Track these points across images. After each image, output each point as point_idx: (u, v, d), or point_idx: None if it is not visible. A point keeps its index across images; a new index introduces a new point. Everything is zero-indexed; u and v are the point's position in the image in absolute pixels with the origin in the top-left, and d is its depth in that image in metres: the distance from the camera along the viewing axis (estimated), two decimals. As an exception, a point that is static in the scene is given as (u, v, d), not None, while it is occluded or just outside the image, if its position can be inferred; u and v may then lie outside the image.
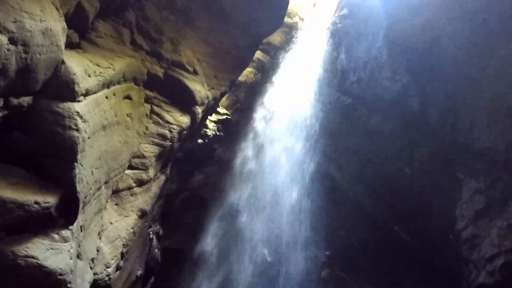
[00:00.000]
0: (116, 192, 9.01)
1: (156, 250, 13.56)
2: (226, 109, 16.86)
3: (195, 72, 11.62)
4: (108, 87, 8.33)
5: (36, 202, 6.60)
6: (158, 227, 13.75)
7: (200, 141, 15.54)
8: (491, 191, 11.94)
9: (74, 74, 7.14)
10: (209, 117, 15.03)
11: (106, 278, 8.21)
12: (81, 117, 7.09)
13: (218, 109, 16.03)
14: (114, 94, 8.55)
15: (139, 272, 10.35)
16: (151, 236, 12.79)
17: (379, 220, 13.93)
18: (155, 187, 10.20)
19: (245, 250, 15.31)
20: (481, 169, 12.02)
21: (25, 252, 6.44)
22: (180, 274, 15.53)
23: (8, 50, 6.00)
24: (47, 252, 6.67)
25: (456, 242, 12.39)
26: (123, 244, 8.75)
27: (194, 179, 16.35)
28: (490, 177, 11.88)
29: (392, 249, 13.40)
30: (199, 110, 11.76)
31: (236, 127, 16.88)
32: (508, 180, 11.59)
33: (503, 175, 11.62)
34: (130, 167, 9.49)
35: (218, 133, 16.17)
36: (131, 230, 9.07)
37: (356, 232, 14.14)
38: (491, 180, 11.87)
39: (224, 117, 16.54)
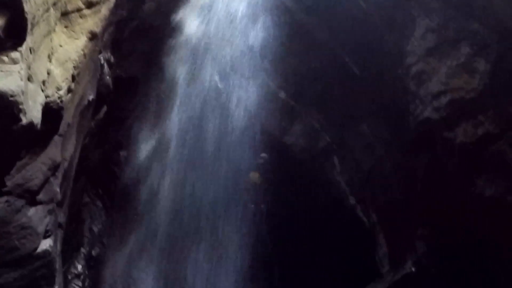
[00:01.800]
0: (65, 14, 8.68)
1: (108, 77, 13.45)
2: None
3: None
4: None
5: (-18, 24, 6.36)
6: (109, 54, 13.56)
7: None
8: (444, 30, 12.05)
9: None
10: None
11: (58, 101, 8.15)
12: None
13: None
14: None
15: (90, 97, 10.31)
16: (102, 62, 12.61)
17: (331, 52, 13.95)
18: (105, 10, 9.85)
19: (198, 76, 15.22)
20: (436, 8, 12.02)
21: (-27, 76, 6.32)
22: (132, 103, 15.60)
23: None
24: (-3, 74, 6.53)
25: (405, 77, 12.67)
26: (74, 67, 8.61)
27: (145, 6, 15.92)
28: (443, 17, 11.93)
29: (342, 80, 13.60)
30: None
31: None
32: (461, 21, 11.67)
33: (457, 15, 11.67)
34: (79, -12, 9.11)
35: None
36: (82, 52, 8.88)
37: (308, 62, 14.19)
38: (444, 20, 11.93)
39: None
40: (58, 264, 9.25)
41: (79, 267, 17.14)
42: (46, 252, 8.62)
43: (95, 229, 17.36)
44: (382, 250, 12.47)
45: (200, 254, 15.33)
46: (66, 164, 9.31)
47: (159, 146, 15.64)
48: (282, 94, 14.38)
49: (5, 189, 8.08)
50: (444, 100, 12.14)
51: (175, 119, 15.40)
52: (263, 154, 14.89)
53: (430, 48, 12.32)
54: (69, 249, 14.57)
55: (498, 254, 11.19)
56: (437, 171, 12.19)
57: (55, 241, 8.93)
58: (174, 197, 15.48)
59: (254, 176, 15.06)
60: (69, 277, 16.77)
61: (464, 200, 11.73)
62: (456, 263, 11.56)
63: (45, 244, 8.62)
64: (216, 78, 15.26)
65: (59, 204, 9.15)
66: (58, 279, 9.32)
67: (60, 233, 9.40)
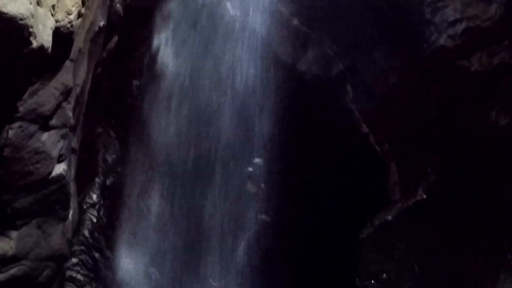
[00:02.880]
0: None
1: (118, 5, 13.34)
2: None
3: None
4: None
5: None
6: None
7: None
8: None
9: None
10: None
11: (68, 25, 8.10)
12: None
13: None
14: None
15: (101, 23, 10.21)
16: (112, -11, 12.48)
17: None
18: None
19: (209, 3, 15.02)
20: None
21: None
22: (144, 33, 15.49)
23: None
24: (5, -1, 6.48)
25: (420, 4, 12.46)
26: (84, -9, 8.55)
27: None
28: None
29: (356, 7, 13.34)
30: None
31: None
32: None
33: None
34: None
35: None
36: (92, -23, 8.83)
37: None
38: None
39: None
40: (72, 189, 9.40)
41: (94, 196, 17.43)
42: (60, 176, 8.75)
43: (109, 158, 17.54)
44: (394, 178, 12.53)
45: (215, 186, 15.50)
46: (78, 89, 9.33)
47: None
48: (295, 21, 14.18)
49: (18, 114, 8.13)
50: (459, 28, 12.04)
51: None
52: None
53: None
54: (83, 180, 14.79)
55: (510, 183, 11.25)
56: (451, 100, 12.15)
57: (69, 166, 9.05)
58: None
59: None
60: (85, 207, 17.08)
61: (477, 129, 11.73)
62: (467, 191, 11.63)
63: (59, 168, 8.74)
64: (228, 5, 15.05)
65: (72, 129, 9.22)
66: (73, 203, 9.49)
67: (74, 158, 9.51)
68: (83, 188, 15.72)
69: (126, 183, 16.79)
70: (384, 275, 11.77)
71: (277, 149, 14.69)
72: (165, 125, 15.98)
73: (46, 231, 8.89)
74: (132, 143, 16.50)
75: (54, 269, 9.24)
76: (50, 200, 8.78)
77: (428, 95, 12.32)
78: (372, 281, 11.76)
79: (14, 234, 8.56)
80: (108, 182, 17.45)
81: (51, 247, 8.98)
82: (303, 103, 14.35)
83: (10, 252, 8.51)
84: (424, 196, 11.84)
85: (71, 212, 9.36)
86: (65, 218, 9.16)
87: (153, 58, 15.58)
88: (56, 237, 9.02)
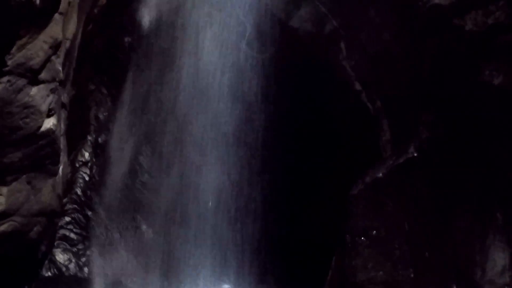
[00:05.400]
0: None
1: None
2: None
3: None
4: None
5: None
6: None
7: None
8: None
9: None
10: None
11: (56, -23, 8.00)
12: None
13: None
14: None
15: (91, -24, 10.09)
16: None
17: None
18: None
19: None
20: None
21: None
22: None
23: None
24: None
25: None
26: None
27: None
28: None
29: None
30: None
31: None
32: None
33: None
34: None
35: None
36: None
37: None
38: None
39: None
40: (62, 144, 9.37)
41: (86, 155, 17.39)
42: (50, 131, 8.71)
43: (101, 116, 17.45)
44: (386, 136, 12.51)
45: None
46: (68, 43, 9.24)
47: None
48: (288, -23, 14.04)
49: (6, 68, 8.09)
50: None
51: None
52: None
53: None
54: (75, 138, 14.74)
55: (502, 142, 11.25)
56: (444, 58, 12.05)
57: (58, 120, 9.00)
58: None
59: None
60: (77, 165, 17.06)
61: (470, 88, 11.68)
62: (458, 149, 11.63)
63: (49, 123, 8.70)
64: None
65: (62, 84, 9.14)
66: (63, 158, 9.47)
67: (63, 113, 9.46)
68: (75, 146, 15.69)
69: (118, 141, 16.74)
70: (374, 231, 11.82)
71: (269, 103, 14.74)
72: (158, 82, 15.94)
73: (36, 187, 8.88)
74: (125, 100, 16.43)
75: (45, 225, 9.27)
76: (40, 155, 8.75)
77: (421, 53, 12.22)
78: (362, 238, 11.81)
79: (4, 190, 8.56)
80: (100, 140, 17.40)
81: (42, 202, 8.99)
82: (296, 59, 14.29)
83: (0, 208, 8.51)
84: (415, 154, 11.82)
85: (61, 167, 9.34)
86: (55, 173, 9.14)
87: (145, 13, 15.42)
88: (46, 192, 9.02)
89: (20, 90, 8.21)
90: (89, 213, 17.19)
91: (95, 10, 12.17)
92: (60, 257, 16.83)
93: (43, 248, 9.58)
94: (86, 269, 16.94)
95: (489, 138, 11.33)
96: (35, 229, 9.05)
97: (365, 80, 13.07)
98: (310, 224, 15.37)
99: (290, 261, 15.44)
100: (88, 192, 17.23)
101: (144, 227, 16.39)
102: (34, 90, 8.36)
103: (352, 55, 13.23)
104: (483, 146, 11.37)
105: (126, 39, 16.15)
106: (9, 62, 8.04)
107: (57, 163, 9.07)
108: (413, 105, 12.19)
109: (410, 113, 12.17)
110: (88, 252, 17.07)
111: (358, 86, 13.17)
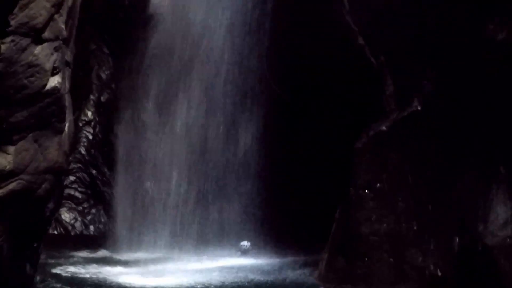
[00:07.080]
0: None
1: None
2: None
3: None
4: None
5: None
6: None
7: None
8: None
9: None
10: None
11: None
12: None
13: None
14: None
15: None
16: None
17: None
18: None
19: None
20: None
21: None
22: None
23: None
24: None
25: None
26: None
27: None
28: None
29: None
30: None
31: None
32: None
33: None
34: None
35: None
36: None
37: None
38: None
39: None
40: (67, 101, 9.39)
41: (89, 114, 17.51)
42: (55, 89, 8.73)
43: (103, 75, 17.51)
44: (389, 90, 12.45)
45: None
46: (70, 2, 9.18)
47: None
48: None
49: (10, 28, 8.10)
50: None
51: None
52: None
53: None
54: (78, 97, 14.76)
55: (505, 97, 11.23)
56: (448, 13, 11.94)
57: (63, 78, 9.01)
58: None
59: None
60: (80, 124, 17.20)
61: (474, 43, 11.61)
62: (462, 104, 11.63)
63: (54, 81, 8.71)
64: None
65: (66, 42, 9.12)
66: (68, 116, 9.49)
67: (68, 71, 9.45)
68: (78, 106, 15.74)
69: (121, 100, 16.79)
70: (378, 184, 11.90)
71: (274, 59, 14.79)
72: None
73: (43, 145, 8.93)
74: (127, 58, 16.43)
75: (53, 182, 9.32)
76: (46, 113, 8.78)
77: (425, 7, 12.11)
78: (366, 191, 11.90)
79: (11, 149, 8.61)
80: (102, 98, 17.48)
81: (49, 159, 9.04)
82: (299, 16, 14.21)
83: (8, 167, 8.58)
84: (419, 108, 11.82)
85: (67, 125, 9.37)
86: (61, 131, 9.18)
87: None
88: (53, 149, 9.06)
89: (24, 49, 8.23)
90: (94, 171, 17.37)
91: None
92: (66, 216, 17.08)
93: (51, 205, 9.65)
94: (91, 227, 17.21)
95: (493, 92, 11.31)
96: (43, 186, 9.11)
97: (368, 35, 12.97)
98: (315, 178, 15.50)
99: (297, 216, 15.71)
100: (92, 150, 17.38)
101: (148, 183, 16.57)
102: (38, 49, 8.36)
103: (355, 9, 13.09)
104: (486, 101, 11.36)
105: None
106: (12, 22, 8.05)
107: (63, 120, 9.09)
108: (416, 60, 12.14)
109: (414, 68, 12.13)
110: (93, 210, 17.32)
111: (361, 41, 13.07)
